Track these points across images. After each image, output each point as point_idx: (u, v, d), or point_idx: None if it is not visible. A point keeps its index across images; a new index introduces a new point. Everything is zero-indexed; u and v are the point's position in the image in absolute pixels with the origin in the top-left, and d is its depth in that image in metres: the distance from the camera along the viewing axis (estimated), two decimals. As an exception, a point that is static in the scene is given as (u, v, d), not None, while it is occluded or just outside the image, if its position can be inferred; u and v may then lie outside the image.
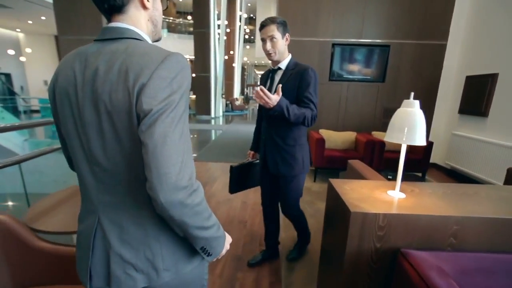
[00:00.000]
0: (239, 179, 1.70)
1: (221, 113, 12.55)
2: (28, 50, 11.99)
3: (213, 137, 6.99)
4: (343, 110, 4.21)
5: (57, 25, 4.16)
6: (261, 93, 1.23)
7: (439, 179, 3.72)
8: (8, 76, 12.82)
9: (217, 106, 11.92)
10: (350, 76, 4.07)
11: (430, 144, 3.37)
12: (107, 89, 0.52)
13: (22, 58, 12.09)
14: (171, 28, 17.44)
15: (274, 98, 1.25)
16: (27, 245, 1.05)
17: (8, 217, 1.05)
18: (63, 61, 0.61)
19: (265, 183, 1.75)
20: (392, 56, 3.98)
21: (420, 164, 3.41)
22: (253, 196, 3.02)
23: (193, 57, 11.60)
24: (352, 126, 4.23)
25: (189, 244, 0.63)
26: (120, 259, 0.59)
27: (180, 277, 0.64)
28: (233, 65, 16.63)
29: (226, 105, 14.58)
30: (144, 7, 0.60)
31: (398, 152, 3.33)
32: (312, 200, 2.95)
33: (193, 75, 12.53)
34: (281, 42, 1.40)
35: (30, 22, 10.41)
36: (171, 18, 18.05)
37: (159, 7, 0.65)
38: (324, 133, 3.69)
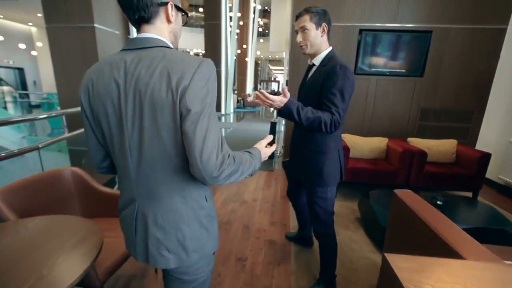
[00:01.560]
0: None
1: (232, 110, 12.00)
2: (39, 44, 11.89)
3: (223, 135, 6.45)
4: (370, 110, 3.52)
5: (43, 12, 3.74)
6: (261, 95, 1.12)
7: (491, 198, 2.98)
8: (21, 70, 12.85)
9: (228, 102, 11.38)
10: (380, 69, 3.36)
11: (486, 156, 2.64)
12: (150, 89, 0.61)
13: (34, 52, 12.01)
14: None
15: (279, 100, 1.13)
16: (93, 189, 1.56)
17: (80, 169, 1.59)
18: (96, 70, 0.68)
19: (291, 178, 1.80)
20: (434, 44, 3.23)
21: (471, 181, 2.68)
22: (258, 217, 2.43)
23: (204, 51, 11.07)
24: (381, 130, 3.53)
25: (211, 229, 0.78)
26: (155, 241, 0.71)
27: (203, 257, 0.78)
28: (246, 59, 16.01)
29: (238, 101, 14.02)
30: (169, 21, 0.70)
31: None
32: (332, 226, 2.33)
33: (204, 69, 12.02)
34: (314, 34, 1.25)
35: (39, 15, 10.22)
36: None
37: (180, 22, 0.75)
38: (348, 139, 3.02)
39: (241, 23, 15.28)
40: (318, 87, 1.24)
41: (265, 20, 20.57)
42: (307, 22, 1.23)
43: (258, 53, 19.26)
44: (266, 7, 20.00)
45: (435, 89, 3.37)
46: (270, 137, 0.93)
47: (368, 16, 3.26)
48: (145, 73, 0.61)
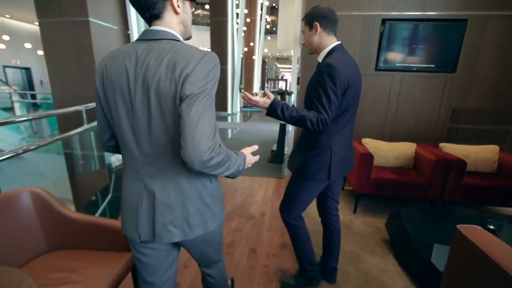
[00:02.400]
0: None
1: (238, 109, 11.67)
2: (45, 43, 11.77)
3: (228, 136, 6.13)
4: (393, 111, 3.11)
5: (35, 6, 3.48)
6: (245, 97, 1.20)
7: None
8: (28, 70, 12.82)
9: (235, 101, 11.05)
10: (406, 64, 2.95)
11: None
12: (156, 78, 0.66)
13: (40, 52, 11.94)
14: (190, 20, 16.71)
15: (262, 101, 1.20)
16: (61, 215, 1.25)
17: (42, 190, 1.26)
18: (111, 57, 0.74)
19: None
20: (469, 35, 2.80)
21: (520, 195, 2.26)
22: (267, 237, 2.09)
23: (210, 49, 10.77)
24: (404, 133, 3.13)
25: (215, 207, 0.85)
26: (162, 217, 0.76)
27: (208, 233, 0.84)
28: (253, 57, 15.63)
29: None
30: (176, 12, 0.75)
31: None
32: (354, 250, 1.95)
33: (210, 68, 11.75)
34: (308, 35, 1.28)
35: (44, 14, 10.09)
36: (190, 9, 17.31)
37: (188, 11, 0.79)
38: (370, 144, 2.64)
39: (248, 20, 14.91)
40: (313, 85, 1.24)
41: (273, 18, 20.14)
42: (303, 25, 1.29)
43: (266, 50, 18.86)
44: (274, 4, 19.56)
45: (469, 87, 2.94)
46: (256, 147, 1.00)
47: (393, 4, 2.86)
48: (154, 63, 0.67)
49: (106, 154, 3.43)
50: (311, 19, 1.24)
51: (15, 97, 10.97)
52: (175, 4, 0.72)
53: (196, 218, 0.80)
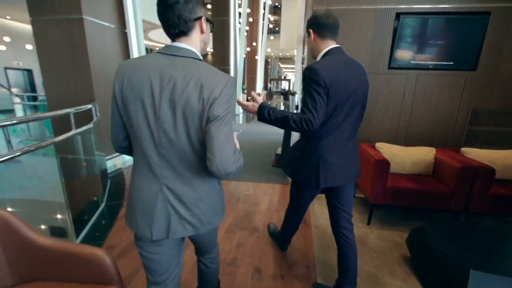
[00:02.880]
0: None
1: (241, 110, 11.48)
2: (46, 45, 11.65)
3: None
4: (407, 112, 2.89)
5: (27, 3, 3.32)
6: (237, 102, 1.21)
7: None
8: (29, 72, 12.76)
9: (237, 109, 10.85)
10: (421, 62, 2.72)
11: None
12: (185, 97, 0.74)
13: (41, 54, 11.78)
14: (192, 20, 16.57)
15: (251, 105, 1.27)
16: (29, 242, 1.05)
17: (7, 212, 1.07)
18: (132, 65, 0.77)
19: None
20: (493, 29, 2.57)
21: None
22: (273, 254, 1.88)
23: (212, 49, 10.59)
24: (419, 136, 2.90)
25: (220, 206, 0.95)
26: (178, 216, 0.84)
27: (214, 228, 0.99)
28: (256, 57, 15.45)
29: (247, 101, 13.45)
30: (202, 32, 0.82)
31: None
32: (371, 270, 1.73)
33: (212, 68, 11.58)
34: (308, 41, 1.33)
35: (45, 15, 9.99)
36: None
37: (209, 31, 0.87)
38: (385, 148, 2.42)
39: (250, 19, 14.73)
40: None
41: (276, 17, 19.94)
42: (305, 34, 1.33)
43: (269, 50, 18.67)
44: (277, 3, 19.36)
45: (491, 86, 2.71)
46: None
47: (407, -4, 2.64)
48: (181, 82, 0.74)
49: (100, 158, 3.25)
50: (307, 26, 1.28)
51: (17, 99, 10.88)
52: (203, 25, 0.81)
53: (208, 216, 0.89)
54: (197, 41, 0.81)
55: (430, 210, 2.22)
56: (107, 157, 3.70)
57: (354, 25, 2.76)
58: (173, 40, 0.80)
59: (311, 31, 1.26)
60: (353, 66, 1.22)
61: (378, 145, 2.47)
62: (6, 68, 11.74)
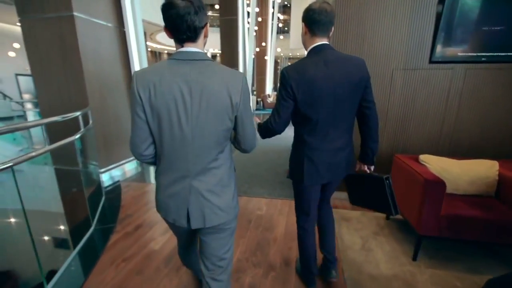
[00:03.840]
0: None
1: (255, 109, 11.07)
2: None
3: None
4: (452, 115, 2.38)
5: (15, 2, 3.02)
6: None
7: None
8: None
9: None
10: (472, 54, 2.22)
11: None
12: (214, 96, 0.85)
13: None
14: (200, 22, 16.35)
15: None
16: None
17: None
18: (156, 73, 0.84)
19: None
20: None
21: None
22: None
23: (219, 50, 10.25)
24: (467, 145, 2.39)
25: (236, 191, 1.06)
26: (210, 204, 0.95)
27: (236, 218, 1.07)
28: (265, 58, 15.04)
29: (257, 102, 13.07)
30: (205, 36, 0.91)
31: None
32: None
33: (221, 70, 11.25)
34: (301, 33, 1.29)
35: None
36: (200, 11, 16.96)
37: (208, 35, 0.94)
38: (432, 163, 1.92)
39: (259, 19, 14.34)
40: None
41: (285, 17, 19.49)
42: None
43: (278, 50, 18.22)
44: (286, 2, 18.91)
45: (562, 81, 2.18)
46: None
47: (454, -26, 2.14)
48: (209, 82, 0.85)
49: (92, 172, 2.89)
50: (302, 18, 1.24)
51: (30, 105, 10.88)
52: (207, 31, 0.91)
53: (234, 201, 1.02)
54: (202, 44, 0.91)
55: (497, 245, 1.72)
56: (102, 170, 3.35)
57: (384, 14, 2.29)
58: (180, 44, 0.87)
59: (303, 24, 1.23)
60: (336, 65, 1.17)
61: (423, 158, 1.98)
62: (17, 75, 11.80)
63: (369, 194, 1.38)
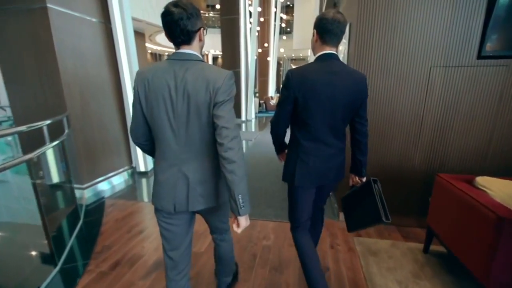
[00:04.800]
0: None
1: (253, 115, 10.63)
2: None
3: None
4: (505, 124, 1.93)
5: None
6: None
7: None
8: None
9: (249, 107, 10.03)
10: (533, 47, 1.76)
11: None
12: (195, 91, 0.93)
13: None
14: (200, 22, 15.99)
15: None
16: None
17: None
18: (150, 71, 0.96)
19: None
20: None
21: None
22: None
23: (220, 51, 9.85)
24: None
25: (221, 186, 1.10)
26: (195, 191, 1.03)
27: (224, 202, 1.14)
28: (268, 59, 14.63)
29: (260, 105, 12.64)
30: (200, 40, 1.01)
31: None
32: None
33: (222, 71, 10.84)
34: (311, 40, 1.31)
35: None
36: (201, 11, 16.60)
37: (204, 39, 1.04)
38: (495, 187, 1.45)
39: (261, 19, 13.94)
40: None
41: (288, 17, 19.10)
42: None
43: (282, 50, 17.81)
44: (289, 3, 18.50)
45: None
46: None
47: None
48: (192, 79, 0.93)
49: (69, 189, 2.46)
50: (314, 25, 1.25)
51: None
52: (202, 34, 1.00)
53: (217, 190, 1.08)
54: (197, 47, 1.00)
55: None
56: (85, 185, 2.92)
57: (421, 9, 1.84)
58: (177, 47, 0.98)
59: (315, 31, 1.25)
60: (339, 75, 1.19)
61: (481, 181, 1.51)
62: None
63: (361, 209, 1.37)
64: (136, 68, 3.41)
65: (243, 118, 9.58)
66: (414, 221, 2.24)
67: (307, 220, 1.42)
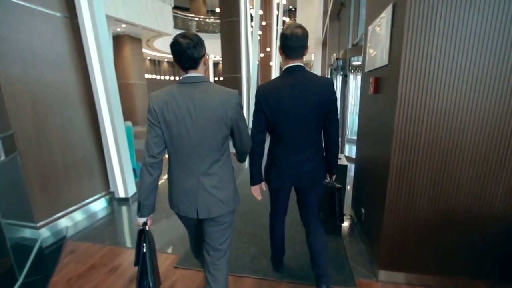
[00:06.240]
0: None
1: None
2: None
3: (245, 167, 4.42)
4: None
5: None
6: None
7: None
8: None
9: (251, 114, 9.40)
10: None
11: None
12: (210, 110, 1.10)
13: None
14: (200, 27, 15.58)
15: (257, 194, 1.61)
16: None
17: None
18: (168, 94, 1.10)
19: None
20: None
21: None
22: None
23: (220, 56, 9.29)
24: None
25: (236, 189, 1.27)
26: (215, 198, 1.17)
27: (234, 211, 1.28)
28: (270, 64, 14.09)
29: (262, 112, 11.98)
30: (204, 64, 1.17)
31: None
32: None
33: (221, 78, 10.30)
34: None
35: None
36: (201, 16, 16.22)
37: (208, 63, 1.22)
38: None
39: (263, 23, 13.44)
40: None
41: (291, 21, 18.65)
42: None
43: (283, 56, 17.25)
44: (291, 6, 18.08)
45: None
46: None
47: None
48: (209, 99, 1.10)
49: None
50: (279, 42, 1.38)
51: None
52: (206, 60, 1.17)
53: (235, 196, 1.25)
54: (202, 70, 1.16)
55: None
56: (40, 223, 2.27)
57: (454, 12, 1.20)
58: (185, 72, 1.13)
59: (278, 47, 1.36)
60: (303, 85, 1.29)
61: None
62: None
63: (325, 201, 1.58)
64: (111, 72, 2.79)
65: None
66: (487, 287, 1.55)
67: (285, 210, 1.65)
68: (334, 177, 1.56)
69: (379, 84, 1.79)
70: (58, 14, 2.43)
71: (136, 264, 1.15)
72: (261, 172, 1.49)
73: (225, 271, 1.28)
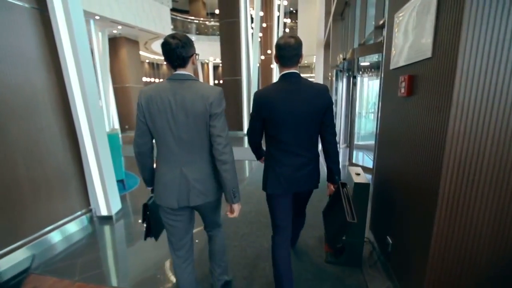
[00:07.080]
0: None
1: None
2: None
3: (246, 175, 4.03)
4: None
5: None
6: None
7: None
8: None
9: (252, 118, 9.01)
10: None
11: None
12: (192, 104, 1.16)
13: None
14: (200, 30, 15.29)
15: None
16: None
17: None
18: (154, 90, 1.19)
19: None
20: None
21: None
22: None
23: (220, 58, 8.95)
24: None
25: (217, 184, 1.31)
26: (195, 189, 1.25)
27: (219, 199, 1.39)
28: (272, 66, 13.75)
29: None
30: (193, 63, 1.25)
31: None
32: None
33: (220, 81, 9.94)
34: None
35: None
36: (201, 19, 15.94)
37: (196, 63, 1.36)
38: None
39: (264, 25, 13.13)
40: None
41: (292, 23, 18.35)
42: None
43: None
44: (292, 8, 17.78)
45: None
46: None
47: None
48: (189, 94, 1.16)
49: None
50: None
51: None
52: (194, 59, 1.25)
53: (214, 188, 1.30)
54: (190, 69, 1.24)
55: None
56: (-7, 255, 1.88)
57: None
58: (174, 69, 1.21)
59: (274, 56, 1.40)
60: (298, 91, 1.33)
61: None
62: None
63: (333, 216, 1.50)
64: (90, 73, 2.42)
65: (245, 131, 8.56)
66: None
67: (287, 227, 1.51)
68: (335, 187, 1.52)
69: (413, 83, 1.41)
70: (26, 5, 2.07)
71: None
72: (262, 148, 1.61)
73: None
